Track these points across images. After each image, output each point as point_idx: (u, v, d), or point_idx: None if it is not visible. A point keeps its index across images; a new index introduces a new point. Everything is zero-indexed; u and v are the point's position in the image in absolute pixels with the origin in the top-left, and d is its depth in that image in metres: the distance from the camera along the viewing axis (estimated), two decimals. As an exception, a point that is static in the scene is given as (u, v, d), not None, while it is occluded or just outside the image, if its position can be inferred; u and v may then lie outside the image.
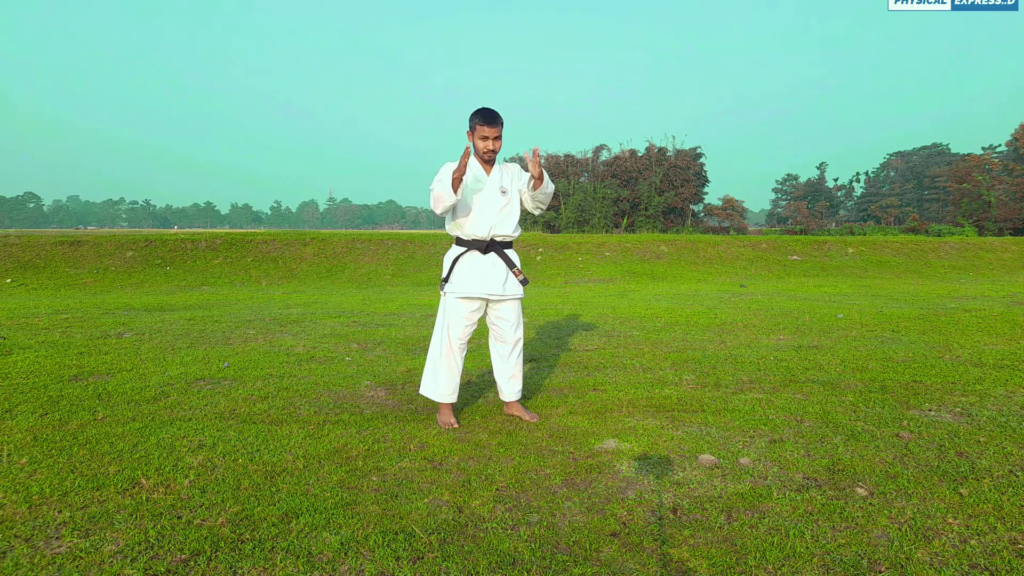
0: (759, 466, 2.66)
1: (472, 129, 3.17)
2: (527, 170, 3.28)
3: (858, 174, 76.79)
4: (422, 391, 3.36)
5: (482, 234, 3.22)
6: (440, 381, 3.27)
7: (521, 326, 3.38)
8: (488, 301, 3.29)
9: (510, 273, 3.28)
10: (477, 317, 3.30)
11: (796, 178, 77.44)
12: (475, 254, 3.25)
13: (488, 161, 3.24)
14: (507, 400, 3.43)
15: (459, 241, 3.28)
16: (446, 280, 3.28)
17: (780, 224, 55.92)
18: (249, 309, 8.53)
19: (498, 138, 3.16)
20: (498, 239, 3.26)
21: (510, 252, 3.32)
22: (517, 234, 3.34)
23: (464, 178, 3.11)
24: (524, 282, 3.30)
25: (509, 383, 3.40)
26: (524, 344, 3.58)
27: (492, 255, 3.26)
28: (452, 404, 3.33)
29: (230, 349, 5.32)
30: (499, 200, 3.22)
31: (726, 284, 13.88)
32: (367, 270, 15.41)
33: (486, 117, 3.13)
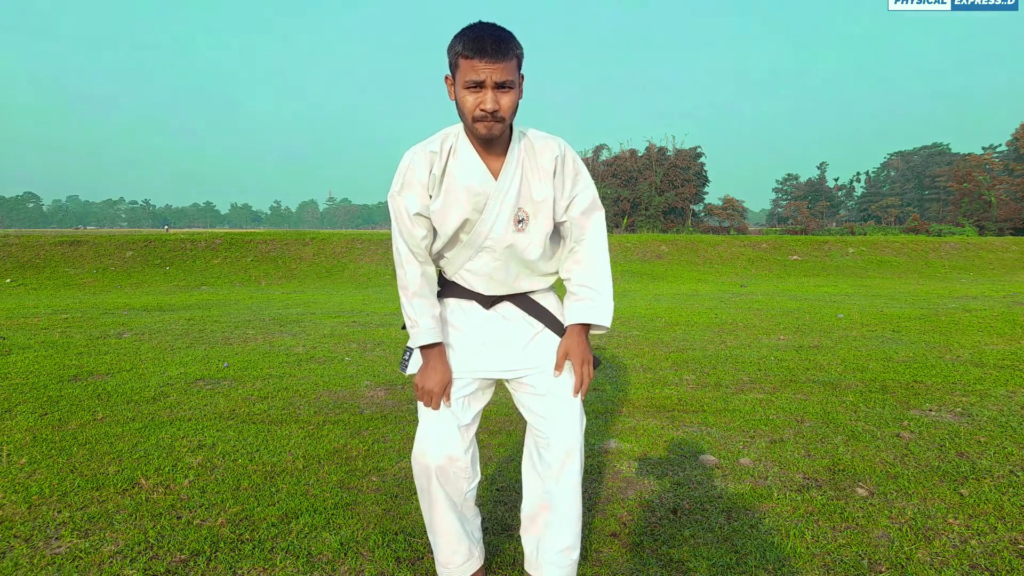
0: (759, 466, 2.66)
1: (452, 69, 1.46)
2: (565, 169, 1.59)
3: (858, 174, 77.07)
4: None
5: (480, 287, 1.66)
6: (438, 537, 1.68)
7: (582, 419, 1.66)
8: (494, 380, 1.71)
9: (542, 329, 1.68)
10: (474, 409, 1.67)
11: (796, 178, 77.64)
12: (471, 306, 1.68)
13: (489, 141, 1.50)
14: None
15: (446, 287, 1.71)
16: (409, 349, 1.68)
17: (780, 224, 56.02)
18: (248, 309, 8.53)
19: (504, 86, 1.42)
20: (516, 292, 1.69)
21: (542, 297, 1.72)
22: (551, 276, 1.72)
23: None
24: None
25: (559, 555, 1.67)
26: None
27: (505, 304, 1.69)
28: None
29: (230, 349, 5.32)
30: (509, 234, 1.57)
31: (726, 284, 13.88)
32: (367, 270, 15.42)
33: (475, 42, 1.40)
